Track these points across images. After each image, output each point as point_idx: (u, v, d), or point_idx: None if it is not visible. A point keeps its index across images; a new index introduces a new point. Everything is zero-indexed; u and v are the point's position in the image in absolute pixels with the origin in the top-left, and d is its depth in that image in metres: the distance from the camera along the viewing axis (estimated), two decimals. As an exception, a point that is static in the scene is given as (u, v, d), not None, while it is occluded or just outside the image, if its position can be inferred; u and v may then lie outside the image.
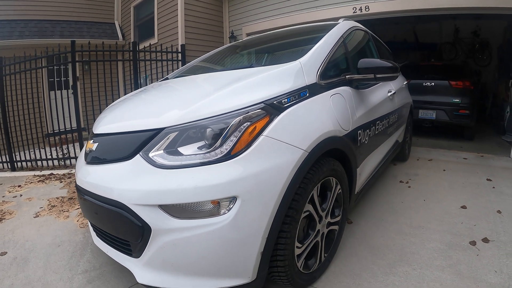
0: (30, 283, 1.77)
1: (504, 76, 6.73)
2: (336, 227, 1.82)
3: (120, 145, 1.41)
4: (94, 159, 1.54)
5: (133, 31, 8.14)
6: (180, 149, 1.26)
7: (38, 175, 4.18)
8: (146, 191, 1.21)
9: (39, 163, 4.86)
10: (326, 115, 1.62)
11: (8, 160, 4.84)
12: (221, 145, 1.23)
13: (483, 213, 2.48)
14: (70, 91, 5.48)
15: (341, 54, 2.08)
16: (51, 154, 4.83)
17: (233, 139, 1.24)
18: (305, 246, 1.53)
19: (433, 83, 5.54)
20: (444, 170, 3.67)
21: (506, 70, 6.69)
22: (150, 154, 1.27)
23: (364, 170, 2.22)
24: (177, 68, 5.42)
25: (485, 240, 2.06)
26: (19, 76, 4.79)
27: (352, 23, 2.49)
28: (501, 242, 2.03)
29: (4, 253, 2.10)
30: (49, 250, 2.13)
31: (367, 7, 5.05)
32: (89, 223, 1.89)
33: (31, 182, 3.87)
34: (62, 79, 5.75)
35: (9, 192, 3.51)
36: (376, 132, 2.36)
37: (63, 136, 5.13)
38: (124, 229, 1.31)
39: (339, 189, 1.77)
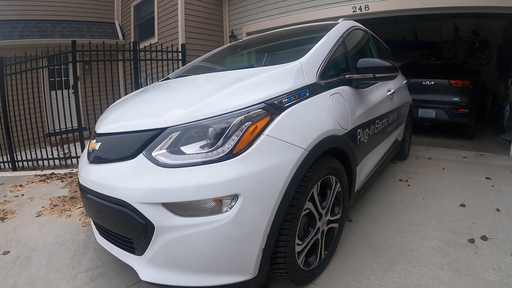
0: (33, 281, 1.78)
1: (504, 75, 6.75)
2: (336, 225, 1.84)
3: (123, 145, 1.43)
4: (97, 159, 1.56)
5: (133, 31, 8.15)
6: (183, 148, 1.28)
7: (39, 175, 4.20)
8: (149, 189, 1.23)
9: (40, 162, 4.87)
10: (325, 114, 1.64)
11: (9, 160, 4.85)
12: (223, 144, 1.25)
13: (482, 211, 2.50)
14: (71, 90, 5.50)
15: (340, 54, 2.10)
16: (52, 154, 4.84)
17: (234, 138, 1.26)
18: (306, 243, 1.55)
19: (432, 82, 5.55)
20: (443, 169, 3.69)
21: (506, 69, 6.71)
22: (153, 153, 1.29)
23: (364, 169, 2.24)
24: (178, 68, 5.44)
25: (484, 238, 2.08)
26: (20, 76, 4.80)
27: (352, 23, 2.51)
28: (500, 240, 2.05)
29: (7, 252, 2.12)
30: (51, 249, 2.14)
31: (366, 6, 5.06)
32: (91, 221, 1.91)
33: (33, 182, 3.89)
34: (63, 78, 5.75)
35: (11, 191, 3.53)
36: (376, 131, 2.38)
37: (64, 135, 5.14)
38: (127, 227, 1.33)
39: (339, 187, 1.79)
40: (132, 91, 4.89)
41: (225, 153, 1.23)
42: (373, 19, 5.34)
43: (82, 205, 2.90)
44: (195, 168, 1.21)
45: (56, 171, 4.35)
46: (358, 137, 1.99)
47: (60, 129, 4.87)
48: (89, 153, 1.65)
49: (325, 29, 2.18)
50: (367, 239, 2.12)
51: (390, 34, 9.04)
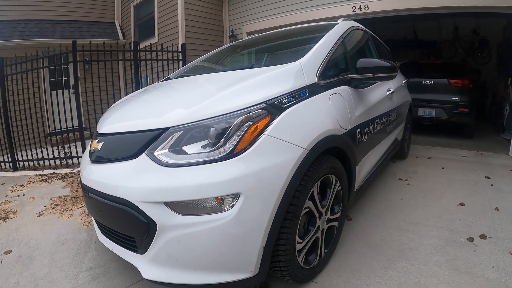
0: (36, 280, 1.80)
1: (503, 74, 6.77)
2: (335, 224, 1.86)
3: (126, 144, 1.44)
4: (99, 158, 1.57)
5: (133, 31, 8.16)
6: (185, 148, 1.29)
7: (40, 175, 4.21)
8: (152, 188, 1.24)
9: (41, 162, 4.88)
10: (325, 114, 1.66)
11: (10, 159, 4.86)
12: (224, 144, 1.27)
13: (481, 210, 2.52)
14: (72, 90, 5.52)
15: (340, 54, 2.11)
16: (53, 154, 4.85)
17: (235, 138, 1.27)
18: (306, 241, 1.56)
19: (432, 81, 5.56)
20: (443, 168, 3.71)
21: (505, 68, 6.72)
22: (155, 153, 1.31)
23: (363, 168, 2.25)
24: (178, 67, 5.45)
25: (483, 236, 2.10)
26: (20, 76, 4.81)
27: (351, 23, 2.52)
28: (498, 239, 2.06)
29: (9, 252, 2.13)
30: (53, 248, 2.15)
31: (366, 6, 5.07)
32: (93, 220, 1.92)
33: (34, 182, 3.90)
34: (63, 78, 5.76)
35: (12, 191, 3.54)
36: (375, 131, 2.39)
37: (64, 135, 5.16)
38: (130, 226, 1.35)
39: (339, 186, 1.81)
40: (132, 91, 4.91)
41: (226, 152, 1.25)
42: (372, 18, 5.35)
43: (84, 204, 2.93)
44: (197, 168, 1.23)
45: (57, 171, 4.36)
46: (358, 136, 2.01)
47: (61, 128, 4.88)
48: (91, 153, 1.66)
49: (325, 29, 2.20)
50: (367, 238, 2.13)
51: (390, 34, 9.05)
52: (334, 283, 1.67)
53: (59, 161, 4.83)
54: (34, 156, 4.95)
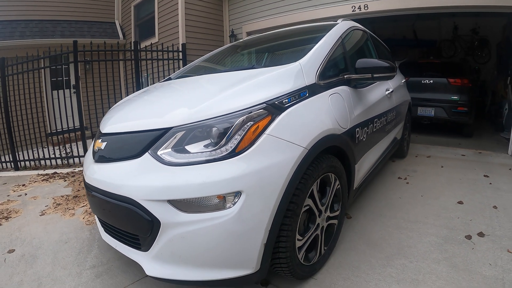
0: (39, 279, 1.81)
1: (503, 74, 6.78)
2: (335, 221, 1.88)
3: (129, 144, 1.46)
4: (102, 158, 1.59)
5: (134, 31, 8.17)
6: (187, 147, 1.32)
7: (42, 174, 4.22)
8: (155, 187, 1.27)
9: (42, 162, 4.90)
10: (325, 114, 1.68)
11: (11, 159, 4.88)
12: (226, 143, 1.29)
13: (479, 208, 2.54)
14: (73, 90, 5.54)
15: (339, 54, 2.13)
16: (54, 153, 4.87)
17: (237, 137, 1.30)
18: (306, 238, 1.59)
19: (431, 81, 5.59)
20: (442, 167, 3.73)
21: (505, 67, 6.74)
22: (159, 152, 1.33)
23: (363, 167, 2.28)
24: (178, 67, 5.47)
25: (481, 234, 2.12)
26: (21, 76, 4.83)
27: (351, 23, 2.54)
28: (496, 236, 2.09)
29: (12, 251, 2.15)
30: (56, 247, 2.17)
31: (366, 5, 5.08)
32: (96, 219, 1.94)
33: (35, 181, 3.92)
34: (64, 78, 5.78)
35: (14, 191, 3.55)
36: (374, 130, 2.42)
37: (66, 135, 5.18)
38: (133, 223, 1.37)
39: (338, 185, 1.83)
40: (133, 91, 4.94)
41: (228, 151, 1.28)
42: (372, 18, 5.37)
43: (86, 203, 2.96)
44: (200, 166, 1.26)
45: (58, 171, 4.38)
46: (357, 135, 2.03)
47: (62, 128, 4.90)
48: (94, 152, 1.68)
49: (325, 29, 2.22)
50: (366, 236, 2.16)
51: (389, 33, 9.05)
52: (334, 280, 1.70)
53: (60, 161, 4.85)
54: (35, 156, 4.96)
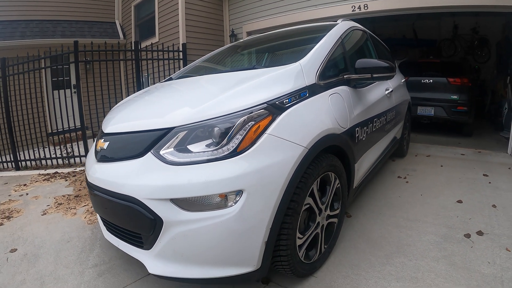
0: (42, 277, 1.83)
1: (503, 73, 6.79)
2: (335, 220, 1.90)
3: (131, 144, 1.48)
4: (105, 157, 1.61)
5: (134, 30, 8.18)
6: (189, 147, 1.34)
7: (43, 174, 4.24)
8: (158, 186, 1.29)
9: (43, 162, 4.91)
10: (325, 114, 1.70)
11: (12, 159, 4.89)
12: (227, 143, 1.31)
13: (478, 207, 2.55)
14: (73, 90, 5.55)
15: (339, 54, 2.15)
16: (55, 153, 4.89)
17: (238, 137, 1.32)
18: (306, 237, 1.61)
19: (431, 80, 5.60)
20: (441, 166, 3.75)
21: (505, 67, 6.75)
22: (161, 152, 1.35)
23: (362, 166, 2.29)
24: (179, 67, 5.49)
25: (480, 233, 2.13)
26: (22, 76, 4.85)
27: (351, 24, 2.55)
28: (495, 235, 2.10)
29: (14, 250, 2.16)
30: (58, 246, 2.19)
31: (365, 5, 5.09)
32: (99, 218, 1.96)
33: (37, 181, 3.94)
34: (65, 78, 5.79)
35: (15, 191, 3.57)
36: (374, 129, 2.43)
37: (66, 135, 5.19)
38: (136, 222, 1.39)
39: (338, 184, 1.85)
40: (133, 90, 4.96)
41: (229, 151, 1.29)
42: (372, 17, 5.37)
43: (88, 203, 2.97)
44: (202, 166, 1.27)
45: (59, 170, 4.39)
46: (356, 135, 2.05)
47: (63, 128, 4.92)
48: (96, 152, 1.70)
49: (325, 29, 2.24)
50: (366, 234, 2.17)
51: (389, 32, 9.06)
52: (334, 278, 1.71)
53: (61, 161, 4.86)
54: (36, 155, 4.98)
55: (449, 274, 1.71)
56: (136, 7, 8.05)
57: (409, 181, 3.23)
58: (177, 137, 1.36)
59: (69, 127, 4.93)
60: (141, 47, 6.89)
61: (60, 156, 4.86)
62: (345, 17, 3.89)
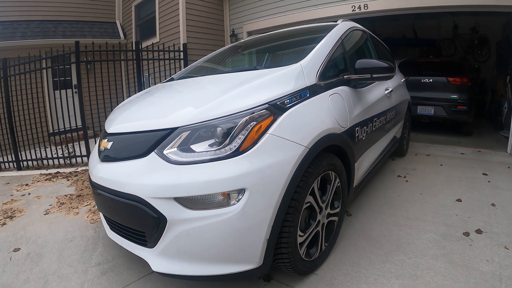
0: (46, 276, 1.85)
1: (503, 72, 6.80)
2: (335, 218, 1.92)
3: (135, 143, 1.50)
4: (108, 157, 1.63)
5: (135, 30, 8.19)
6: (193, 147, 1.36)
7: (44, 174, 4.25)
8: (162, 185, 1.31)
9: (44, 162, 4.93)
10: (325, 114, 1.73)
11: (14, 159, 4.91)
12: (230, 142, 1.33)
13: (477, 206, 2.57)
14: (74, 90, 5.57)
15: (339, 55, 2.17)
16: (56, 153, 4.90)
17: (241, 137, 1.34)
18: (307, 235, 1.63)
19: (431, 80, 5.62)
20: (441, 165, 3.76)
21: (504, 66, 6.76)
22: (165, 152, 1.38)
23: (362, 165, 2.31)
24: (179, 67, 5.51)
25: (478, 231, 2.15)
26: (23, 77, 4.86)
27: (351, 24, 2.57)
28: (494, 233, 2.12)
29: (18, 249, 2.17)
30: (61, 245, 2.20)
31: (365, 5, 5.10)
32: (102, 217, 1.98)
33: (38, 181, 3.95)
34: (66, 78, 5.81)
35: (17, 190, 3.58)
36: (374, 129, 2.45)
37: (68, 134, 5.21)
38: (140, 221, 1.41)
39: (338, 183, 1.87)
40: (134, 90, 4.98)
41: (232, 150, 1.32)
42: (372, 17, 5.39)
43: (90, 202, 2.99)
44: (205, 165, 1.30)
45: (61, 170, 4.40)
46: (356, 134, 2.07)
47: (64, 128, 4.93)
48: (100, 152, 1.72)
49: (325, 30, 2.26)
50: (366, 232, 2.19)
51: (389, 32, 9.07)
52: (334, 275, 1.74)
53: (63, 161, 4.88)
54: (38, 155, 4.99)
55: (448, 272, 1.73)
56: (136, 7, 8.06)
57: (409, 180, 3.25)
58: (180, 137, 1.38)
59: (70, 127, 4.95)
60: (142, 47, 6.91)
61: (61, 156, 4.88)
62: (345, 17, 3.91)
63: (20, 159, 4.90)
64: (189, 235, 1.29)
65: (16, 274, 1.88)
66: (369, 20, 5.46)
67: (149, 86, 3.21)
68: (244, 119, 1.37)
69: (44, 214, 2.79)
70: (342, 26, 2.38)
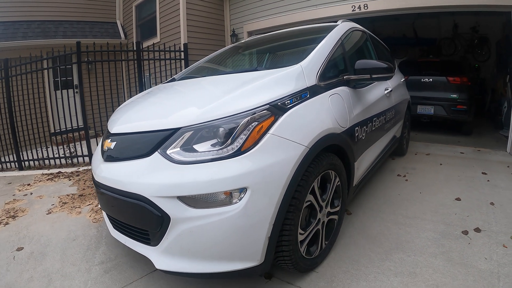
0: (49, 275, 1.87)
1: (502, 72, 6.81)
2: (335, 217, 1.95)
3: (138, 143, 1.53)
4: (112, 157, 1.66)
5: (135, 31, 8.21)
6: (195, 147, 1.39)
7: (46, 174, 4.26)
8: (165, 184, 1.33)
9: (46, 161, 4.95)
10: (325, 114, 1.75)
11: (15, 159, 4.93)
12: (232, 142, 1.36)
13: (476, 205, 2.59)
14: (75, 90, 5.59)
15: (339, 55, 2.19)
16: (58, 153, 4.91)
17: (242, 137, 1.37)
18: (307, 233, 1.66)
19: (431, 79, 5.63)
20: (441, 164, 3.78)
21: (504, 65, 6.77)
22: (168, 151, 1.40)
23: (362, 164, 2.33)
24: (180, 67, 5.52)
25: (477, 230, 2.17)
26: (25, 77, 4.88)
27: (351, 24, 2.59)
28: (492, 232, 2.14)
29: (21, 249, 2.19)
30: (64, 244, 2.22)
31: (365, 5, 5.11)
32: (105, 216, 2.00)
33: (40, 181, 3.96)
34: (67, 78, 5.83)
35: (19, 190, 3.59)
36: (373, 129, 2.47)
37: (69, 134, 5.23)
38: (144, 219, 1.43)
39: (338, 182, 1.89)
40: (135, 90, 5.00)
41: (234, 150, 1.34)
42: (372, 17, 5.40)
43: (92, 202, 3.02)
44: (207, 164, 1.32)
45: (62, 170, 4.42)
46: (356, 134, 2.09)
47: (66, 128, 4.95)
48: (103, 152, 1.74)
49: (325, 31, 2.28)
50: (365, 231, 2.22)
51: (389, 31, 9.07)
52: (334, 273, 1.76)
53: (65, 160, 4.89)
54: (39, 155, 5.01)
55: (447, 270, 1.75)
56: (137, 7, 8.08)
57: (408, 179, 3.27)
58: (183, 137, 1.40)
59: (72, 127, 4.97)
60: (143, 47, 6.92)
61: (63, 155, 4.89)
62: (345, 17, 3.93)
63: (22, 159, 4.91)
64: (192, 233, 1.32)
65: (20, 273, 1.90)
66: (369, 20, 5.47)
67: (150, 86, 3.23)
68: (246, 119, 1.40)
69: (47, 214, 2.81)
70: (342, 27, 2.40)
